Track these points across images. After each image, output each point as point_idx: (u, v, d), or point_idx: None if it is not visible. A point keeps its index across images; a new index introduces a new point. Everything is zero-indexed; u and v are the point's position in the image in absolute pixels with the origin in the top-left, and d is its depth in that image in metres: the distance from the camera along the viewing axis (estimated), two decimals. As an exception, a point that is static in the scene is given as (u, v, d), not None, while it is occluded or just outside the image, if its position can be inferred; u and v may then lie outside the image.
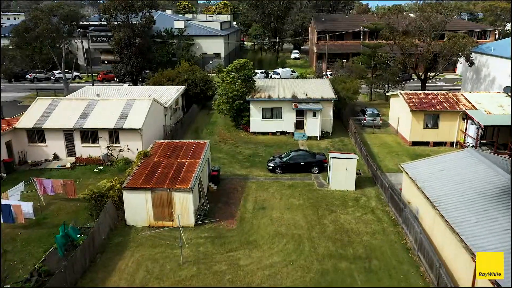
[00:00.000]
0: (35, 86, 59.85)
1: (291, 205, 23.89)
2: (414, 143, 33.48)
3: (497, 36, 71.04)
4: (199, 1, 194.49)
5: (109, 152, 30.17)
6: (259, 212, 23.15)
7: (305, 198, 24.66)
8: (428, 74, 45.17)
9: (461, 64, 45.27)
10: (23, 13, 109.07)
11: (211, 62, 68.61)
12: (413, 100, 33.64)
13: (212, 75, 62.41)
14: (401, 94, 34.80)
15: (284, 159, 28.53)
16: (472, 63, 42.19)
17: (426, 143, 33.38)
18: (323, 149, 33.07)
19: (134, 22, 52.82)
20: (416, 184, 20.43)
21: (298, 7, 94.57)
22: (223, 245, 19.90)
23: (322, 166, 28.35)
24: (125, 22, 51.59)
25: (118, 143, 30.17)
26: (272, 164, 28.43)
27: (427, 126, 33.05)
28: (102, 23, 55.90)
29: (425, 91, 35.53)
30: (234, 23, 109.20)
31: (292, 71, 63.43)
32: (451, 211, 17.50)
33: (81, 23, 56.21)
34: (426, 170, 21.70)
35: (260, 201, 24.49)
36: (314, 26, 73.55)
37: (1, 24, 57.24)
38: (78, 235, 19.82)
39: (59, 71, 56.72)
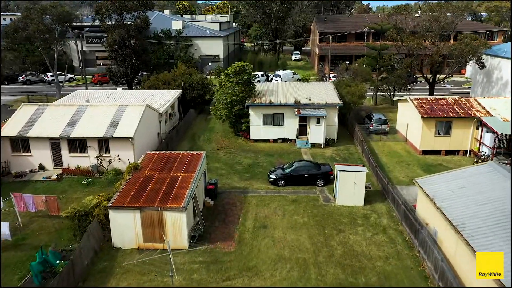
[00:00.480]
0: (27, 89, 57.82)
1: (295, 223, 21.81)
2: (425, 152, 31.41)
3: (504, 37, 68.90)
4: (198, 1, 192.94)
5: (99, 162, 28.09)
6: (260, 231, 21.07)
7: (310, 215, 22.58)
8: (437, 76, 43.07)
9: (470, 66, 43.09)
10: (20, 14, 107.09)
11: (209, 64, 66.55)
12: (424, 106, 31.56)
13: (211, 77, 60.45)
14: (410, 99, 32.71)
15: (287, 171, 26.44)
16: (483, 66, 40.12)
17: (437, 152, 31.32)
18: (328, 158, 31.01)
19: (129, 23, 50.71)
20: (435, 204, 18.34)
21: (299, 7, 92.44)
22: (219, 272, 17.83)
23: (328, 178, 26.27)
24: (120, 22, 49.51)
25: (108, 152, 28.09)
26: (273, 176, 26.35)
27: (438, 133, 30.97)
28: (96, 23, 53.75)
29: (436, 96, 33.46)
30: (234, 23, 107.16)
31: (294, 73, 61.29)
32: (478, 237, 15.43)
33: (74, 23, 54.06)
34: (444, 187, 19.62)
35: (260, 218, 22.41)
36: (316, 27, 71.45)
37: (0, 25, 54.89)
38: (58, 261, 17.74)
39: (52, 73, 54.57)
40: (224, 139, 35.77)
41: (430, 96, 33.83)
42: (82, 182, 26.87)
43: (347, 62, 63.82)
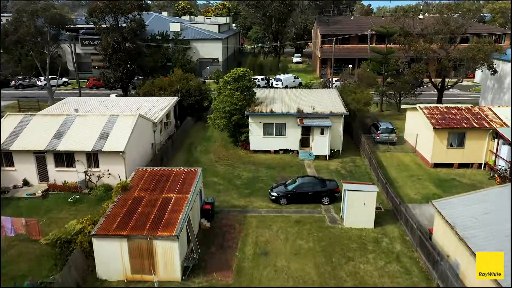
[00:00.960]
0: (19, 93, 55.83)
1: (299, 249, 19.86)
2: (436, 164, 29.46)
3: None
4: (198, 2, 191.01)
5: (87, 177, 26.13)
6: (261, 259, 19.12)
7: (316, 239, 20.63)
8: (447, 81, 41.08)
9: (482, 72, 41.07)
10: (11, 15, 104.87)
11: (208, 67, 64.60)
12: (435, 115, 29.61)
13: (209, 81, 58.58)
14: (420, 108, 30.77)
15: (289, 188, 24.47)
16: (495, 71, 38.14)
17: (450, 165, 29.37)
18: (333, 171, 29.08)
19: (124, 25, 48.71)
20: (457, 233, 16.38)
21: (300, 8, 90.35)
22: (215, 310, 15.91)
23: (334, 196, 24.32)
24: (114, 25, 47.56)
25: (98, 167, 26.13)
26: (275, 194, 24.38)
27: (451, 145, 29.03)
28: (89, 25, 51.69)
29: (448, 105, 31.51)
30: (234, 25, 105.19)
31: (295, 77, 59.33)
32: (509, 276, 13.48)
33: (68, 26, 52.02)
34: (465, 212, 17.67)
35: (261, 243, 20.45)
36: (318, 29, 69.53)
37: None
38: (34, 298, 15.82)
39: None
40: (223, 150, 33.82)
41: (441, 105, 31.87)
42: (69, 200, 24.92)
43: (350, 65, 61.95)
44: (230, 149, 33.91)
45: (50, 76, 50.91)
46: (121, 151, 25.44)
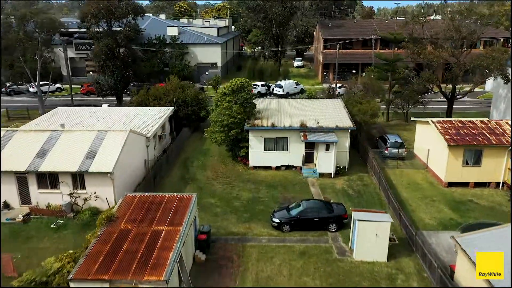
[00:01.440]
0: (9, 100, 53.67)
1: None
2: (450, 183, 27.36)
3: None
4: (197, 2, 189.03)
5: (73, 200, 24.00)
6: (262, 301, 17.04)
7: (323, 276, 18.53)
8: (458, 90, 38.95)
9: (494, 80, 38.91)
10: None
11: (206, 72, 62.47)
12: (449, 130, 27.52)
13: (208, 86, 56.59)
14: (433, 122, 28.67)
15: (293, 213, 22.35)
16: (508, 80, 35.98)
17: (465, 184, 27.27)
18: (339, 191, 26.97)
19: (118, 30, 46.57)
20: (489, 282, 14.26)
21: (301, 11, 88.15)
22: None
23: (342, 223, 22.22)
24: (108, 30, 45.45)
25: (84, 189, 24.01)
26: (277, 220, 22.26)
27: (466, 163, 26.94)
28: (82, 30, 49.44)
29: (462, 119, 29.34)
30: (233, 27, 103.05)
31: (297, 83, 57.19)
32: None
33: (61, 30, 49.87)
34: (491, 251, 15.56)
35: (262, 280, 18.35)
36: (320, 33, 67.39)
37: None
38: None
39: (40, 82, 50.16)
40: (221, 165, 31.68)
41: (455, 119, 29.72)
42: (52, 226, 22.79)
43: (354, 71, 59.92)
44: (229, 164, 31.78)
45: (42, 82, 48.88)
46: (109, 172, 23.33)
